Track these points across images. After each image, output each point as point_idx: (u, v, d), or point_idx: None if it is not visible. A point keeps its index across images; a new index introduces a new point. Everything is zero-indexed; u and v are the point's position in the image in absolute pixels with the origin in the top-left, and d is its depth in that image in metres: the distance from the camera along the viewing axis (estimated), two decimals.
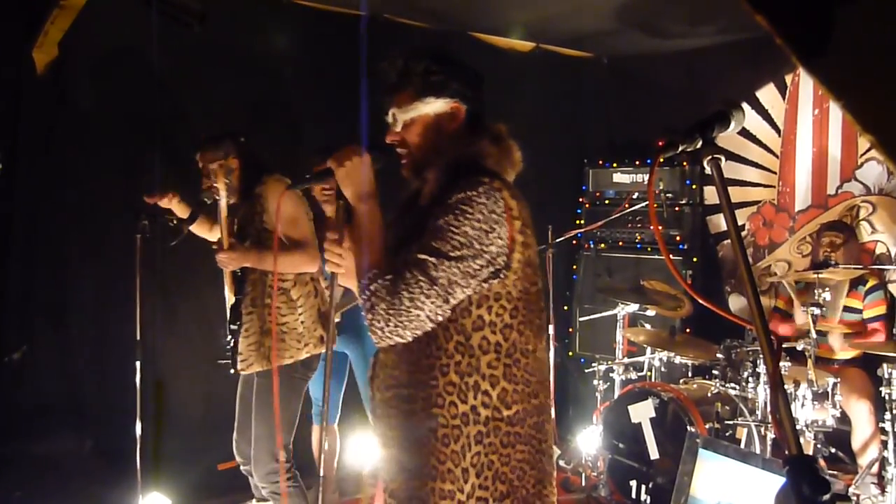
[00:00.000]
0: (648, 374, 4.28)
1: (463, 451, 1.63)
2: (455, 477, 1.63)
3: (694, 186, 5.05)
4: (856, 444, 3.73)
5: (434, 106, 1.76)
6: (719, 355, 3.88)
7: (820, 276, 3.71)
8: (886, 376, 3.43)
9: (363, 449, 3.99)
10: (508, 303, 1.67)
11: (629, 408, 3.81)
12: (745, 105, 1.26)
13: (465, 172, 1.68)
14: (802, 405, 3.50)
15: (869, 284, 4.05)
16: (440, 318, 1.63)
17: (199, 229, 3.35)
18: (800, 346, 3.64)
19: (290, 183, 3.00)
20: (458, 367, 1.64)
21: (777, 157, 4.99)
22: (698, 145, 1.24)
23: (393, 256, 1.69)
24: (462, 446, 1.63)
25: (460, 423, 1.63)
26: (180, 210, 3.23)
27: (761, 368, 3.61)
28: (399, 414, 1.71)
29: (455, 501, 1.62)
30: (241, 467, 3.19)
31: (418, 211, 1.76)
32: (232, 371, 3.09)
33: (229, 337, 3.09)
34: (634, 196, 5.10)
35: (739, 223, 5.09)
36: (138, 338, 3.20)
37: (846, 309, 4.07)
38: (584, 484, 4.15)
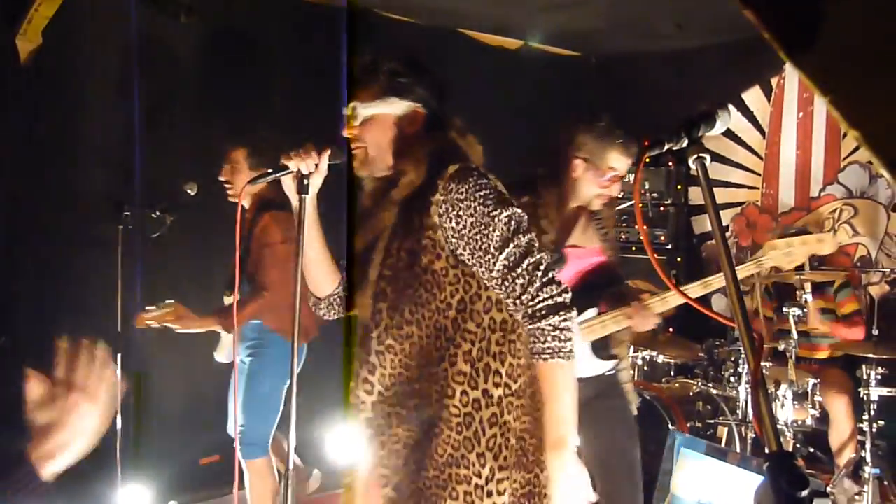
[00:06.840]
0: (632, 372, 4.29)
1: (477, 437, 1.66)
2: (469, 462, 1.65)
3: (679, 187, 5.08)
4: (834, 442, 3.76)
5: (395, 107, 1.76)
6: (702, 355, 3.91)
7: (801, 277, 3.74)
8: (865, 377, 3.46)
9: (345, 443, 3.98)
10: None
11: None
12: (730, 107, 1.26)
13: (447, 162, 1.70)
14: (783, 405, 3.54)
15: (837, 284, 4.08)
16: None
17: None
18: (781, 347, 3.67)
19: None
20: (468, 356, 1.67)
21: (761, 159, 5.03)
22: (684, 144, 1.25)
23: (383, 251, 1.71)
24: (475, 431, 1.66)
25: (472, 409, 1.66)
26: None
27: (743, 368, 3.64)
28: (405, 409, 1.70)
29: (472, 485, 1.65)
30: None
31: (393, 202, 1.74)
32: None
33: None
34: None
35: (723, 224, 5.12)
36: (119, 329, 3.16)
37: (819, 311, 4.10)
38: None
